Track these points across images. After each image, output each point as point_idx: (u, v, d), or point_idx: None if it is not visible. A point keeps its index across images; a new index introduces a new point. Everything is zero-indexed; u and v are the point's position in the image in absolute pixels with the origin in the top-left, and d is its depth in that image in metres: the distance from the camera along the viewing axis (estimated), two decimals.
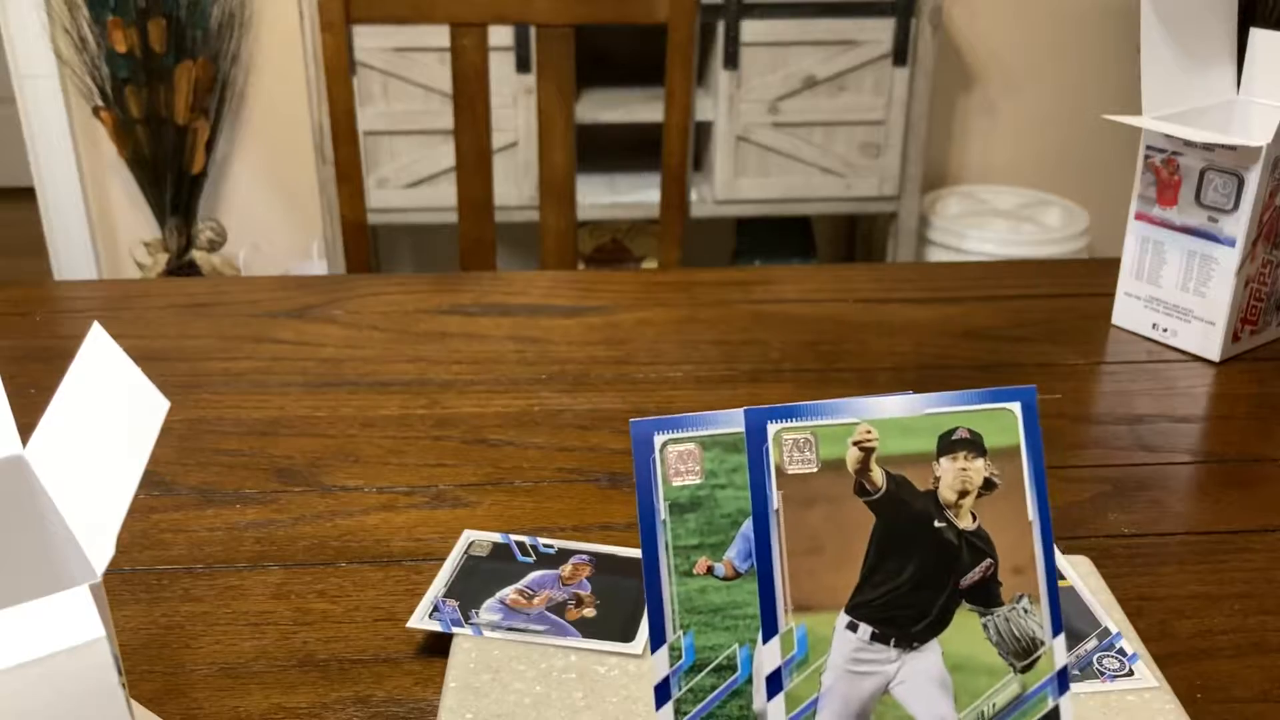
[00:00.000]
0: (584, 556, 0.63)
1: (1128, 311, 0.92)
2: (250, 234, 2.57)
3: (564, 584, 0.60)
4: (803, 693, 0.32)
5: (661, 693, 0.34)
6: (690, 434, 0.34)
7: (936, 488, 0.32)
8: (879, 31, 2.20)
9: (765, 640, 0.32)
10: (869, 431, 0.32)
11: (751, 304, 0.98)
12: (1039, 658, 0.32)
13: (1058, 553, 0.63)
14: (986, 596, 0.32)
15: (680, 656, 0.34)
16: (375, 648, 0.58)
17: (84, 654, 0.34)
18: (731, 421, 0.34)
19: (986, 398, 0.33)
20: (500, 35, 2.12)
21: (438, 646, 0.58)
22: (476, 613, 0.58)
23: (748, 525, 0.34)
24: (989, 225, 2.35)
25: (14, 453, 0.43)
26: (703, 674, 0.34)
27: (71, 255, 2.56)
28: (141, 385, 0.42)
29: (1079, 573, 0.61)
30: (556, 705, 0.52)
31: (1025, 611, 0.32)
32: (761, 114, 2.25)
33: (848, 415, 0.32)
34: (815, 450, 0.32)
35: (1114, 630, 0.57)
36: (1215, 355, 0.87)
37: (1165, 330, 0.90)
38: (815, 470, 0.32)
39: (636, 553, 0.63)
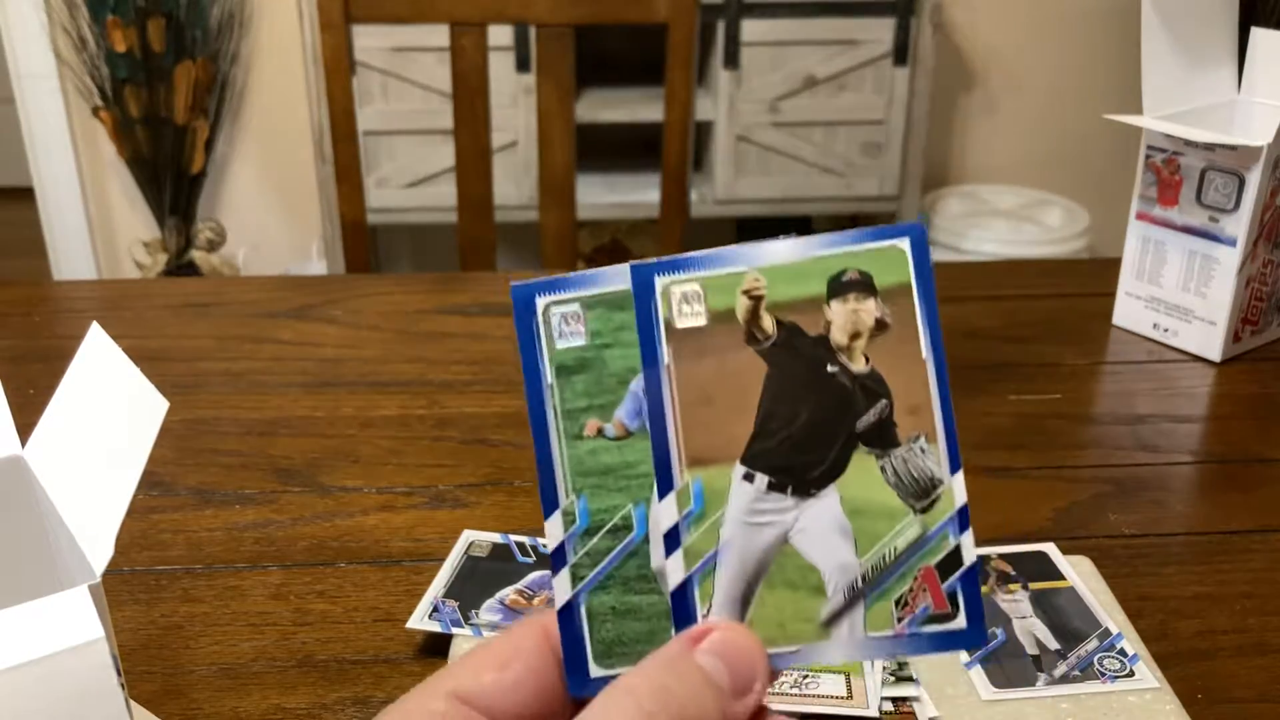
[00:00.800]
0: None
1: (1128, 311, 0.92)
2: (249, 234, 2.57)
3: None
4: (701, 547, 0.32)
5: (558, 559, 0.33)
6: (573, 294, 0.33)
7: (828, 332, 0.31)
8: (879, 31, 2.20)
9: (661, 497, 0.32)
10: (757, 279, 0.31)
11: None
12: (938, 497, 0.31)
13: (1058, 553, 0.63)
14: (883, 438, 0.31)
15: (575, 521, 0.33)
16: (375, 648, 0.58)
17: (83, 654, 0.34)
18: (615, 279, 0.33)
19: (875, 235, 0.32)
20: (500, 35, 2.12)
21: (437, 647, 0.58)
22: (476, 613, 0.58)
23: (637, 383, 0.33)
24: (989, 225, 2.35)
25: (13, 453, 0.43)
26: (598, 536, 0.33)
27: (71, 255, 2.56)
28: (141, 385, 0.42)
29: (1079, 573, 0.61)
30: None
31: (923, 451, 0.31)
32: (762, 114, 2.25)
33: (737, 264, 0.32)
34: (704, 302, 0.32)
35: (1115, 631, 0.57)
36: (1216, 355, 0.87)
37: (1166, 330, 0.90)
38: (705, 323, 0.32)
39: None
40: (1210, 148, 0.84)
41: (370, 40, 2.13)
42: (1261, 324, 0.89)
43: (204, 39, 2.33)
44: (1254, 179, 0.82)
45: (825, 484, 0.32)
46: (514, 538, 0.64)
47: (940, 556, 0.32)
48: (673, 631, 0.33)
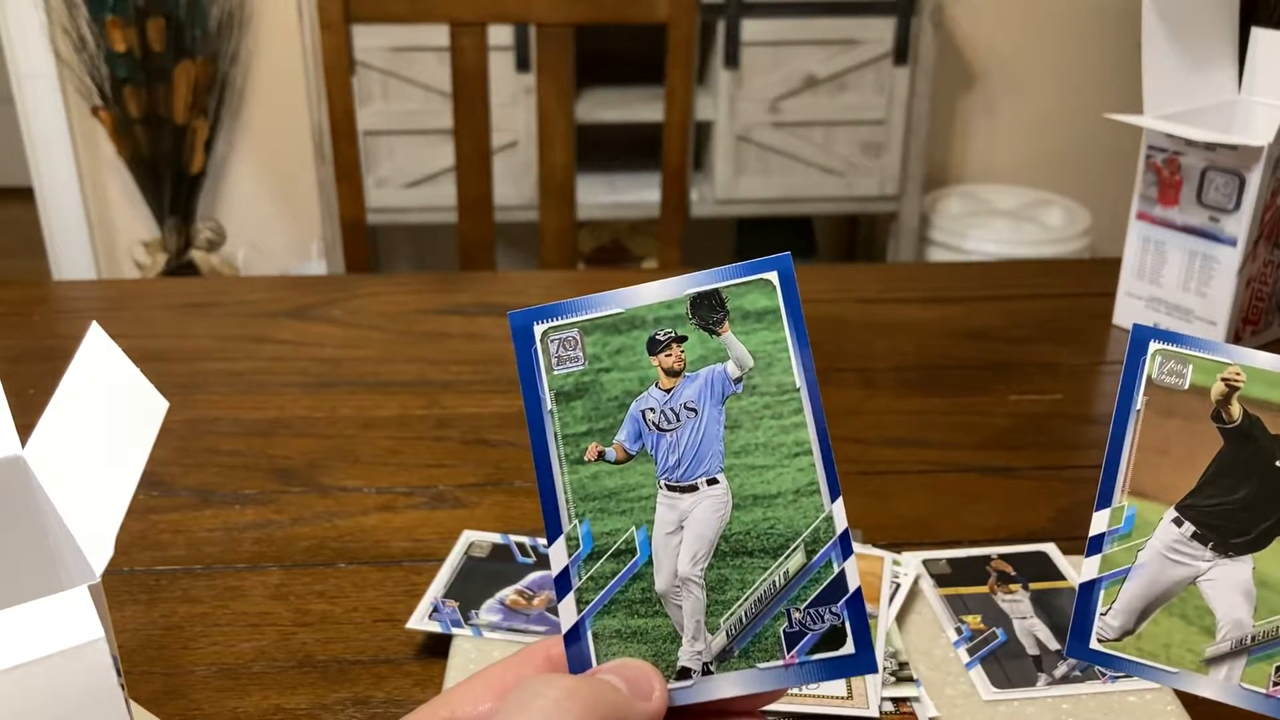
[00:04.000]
0: None
1: (1129, 311, 0.92)
2: (249, 234, 2.57)
3: None
4: (1120, 560, 0.36)
5: (562, 584, 0.34)
6: (570, 320, 0.35)
7: None
8: (880, 31, 2.20)
9: (1099, 509, 0.37)
10: (1238, 374, 0.36)
11: None
12: None
13: (1058, 553, 0.63)
14: None
15: (578, 545, 0.34)
16: (374, 649, 0.58)
17: (83, 655, 0.34)
18: (611, 304, 0.35)
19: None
20: (500, 35, 2.12)
21: (437, 647, 0.57)
22: (476, 613, 0.58)
23: (635, 407, 0.35)
24: (990, 225, 2.35)
25: (13, 453, 0.43)
26: (602, 560, 0.34)
27: (70, 255, 2.55)
28: (140, 385, 0.42)
29: (1080, 573, 0.61)
30: None
31: None
32: (762, 113, 2.25)
33: (1225, 354, 0.36)
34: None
35: None
36: None
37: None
38: (1185, 387, 0.37)
39: None
40: (1211, 147, 0.84)
41: (370, 40, 2.13)
42: (1262, 324, 0.89)
43: (204, 39, 2.33)
44: (1254, 179, 0.82)
45: (1244, 552, 0.36)
46: (514, 538, 0.64)
47: None
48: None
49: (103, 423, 0.42)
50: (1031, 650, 0.56)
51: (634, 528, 0.34)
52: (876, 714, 0.52)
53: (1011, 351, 0.89)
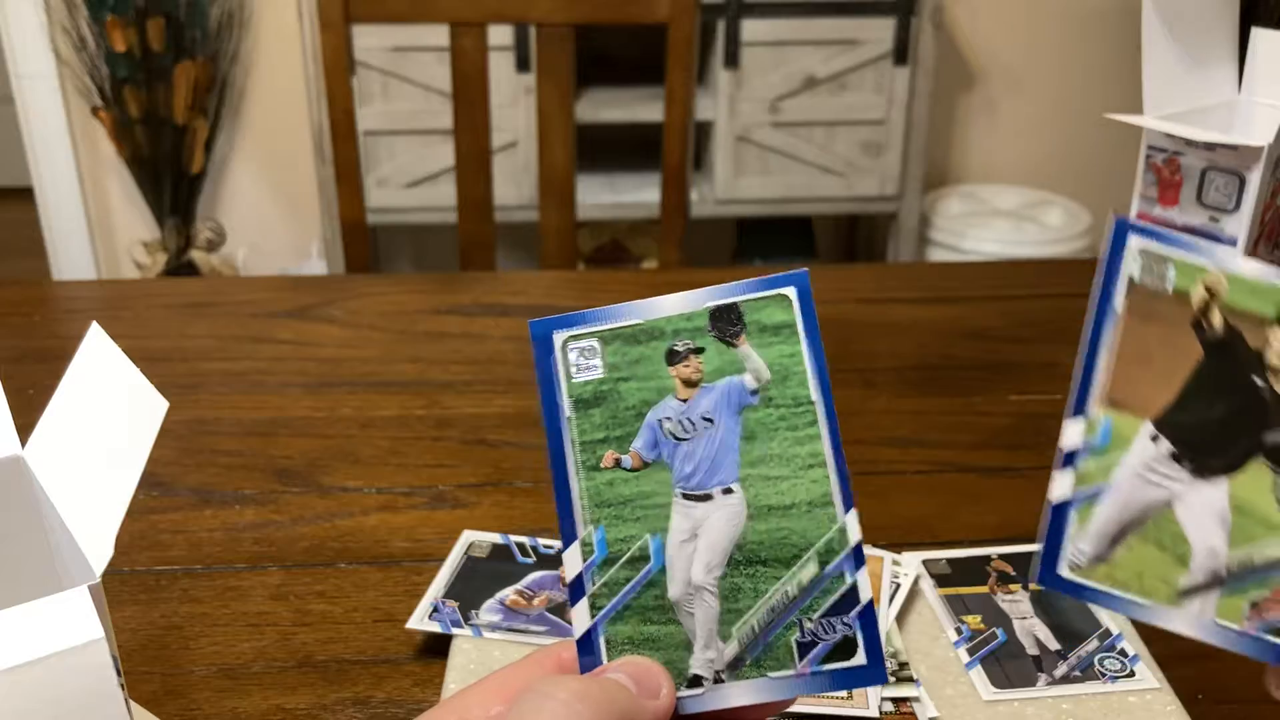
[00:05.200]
0: None
1: None
2: (249, 234, 2.57)
3: (564, 585, 0.60)
4: (1093, 477, 0.35)
5: (576, 589, 0.35)
6: (590, 329, 0.35)
7: (1266, 351, 0.34)
8: (879, 31, 2.20)
9: (1072, 416, 0.36)
10: (1220, 280, 0.34)
11: None
12: None
13: None
14: None
15: (592, 551, 0.35)
16: (375, 649, 0.58)
17: (83, 655, 0.34)
18: (631, 314, 0.35)
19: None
20: (500, 35, 2.12)
21: (437, 647, 0.57)
22: (476, 613, 0.58)
23: (652, 415, 0.35)
24: (990, 225, 2.35)
25: (13, 453, 0.43)
26: (616, 567, 0.35)
27: (70, 255, 2.55)
28: (140, 385, 0.42)
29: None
30: None
31: None
32: (762, 114, 2.25)
33: (1207, 256, 0.34)
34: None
35: (1115, 631, 0.57)
36: None
37: None
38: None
39: None
40: (1211, 148, 0.84)
41: (370, 40, 2.13)
42: None
43: (204, 39, 2.33)
44: (1254, 179, 0.82)
45: (1221, 474, 0.34)
46: (514, 538, 0.64)
47: None
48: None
49: (103, 423, 0.42)
50: (1031, 650, 0.56)
51: (648, 535, 0.35)
52: (876, 714, 0.52)
53: (1011, 351, 0.89)
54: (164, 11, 2.25)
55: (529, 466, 0.73)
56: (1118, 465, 0.35)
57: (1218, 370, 0.34)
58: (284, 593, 0.62)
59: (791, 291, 0.35)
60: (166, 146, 2.36)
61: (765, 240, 2.52)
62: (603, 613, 0.34)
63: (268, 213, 2.57)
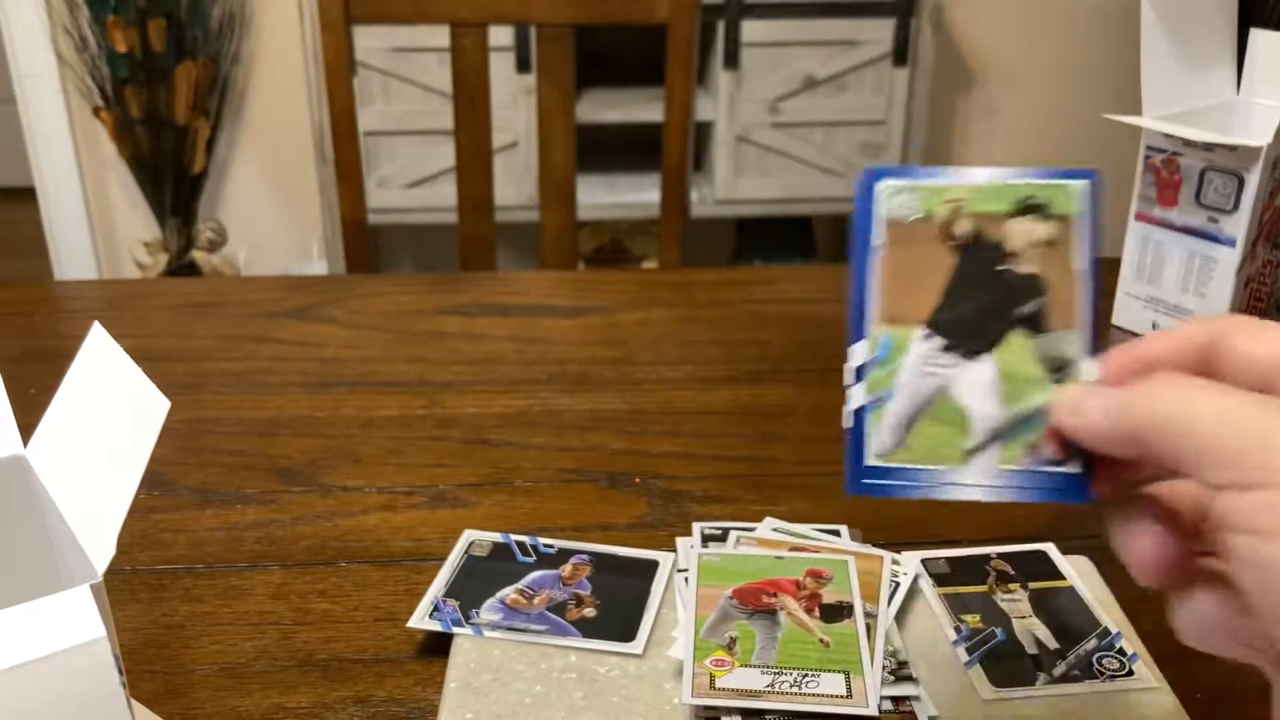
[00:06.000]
0: (584, 556, 0.63)
1: (1128, 311, 0.92)
2: (250, 234, 2.57)
3: (564, 584, 0.60)
4: (882, 384, 0.41)
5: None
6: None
7: (1006, 240, 0.40)
8: (879, 31, 2.20)
9: (853, 343, 0.41)
10: (962, 196, 0.40)
11: (751, 304, 0.98)
12: (1071, 374, 0.39)
13: (1058, 553, 0.63)
14: (1035, 324, 0.40)
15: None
16: (375, 648, 0.58)
17: (84, 654, 0.34)
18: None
19: (1056, 174, 0.41)
20: (500, 35, 2.12)
21: (438, 646, 0.58)
22: (477, 613, 0.58)
23: None
24: None
25: (15, 453, 0.43)
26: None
27: (71, 255, 2.56)
28: (142, 385, 0.42)
29: (1079, 572, 0.61)
30: (556, 705, 0.52)
31: (1065, 338, 0.40)
32: (761, 114, 2.25)
33: (945, 179, 0.41)
34: (915, 204, 0.41)
35: (1114, 630, 0.57)
36: None
37: None
38: (915, 218, 0.41)
39: (636, 552, 0.63)
40: (1210, 148, 0.84)
41: (371, 40, 2.14)
42: None
43: (204, 39, 2.33)
44: (1253, 179, 0.82)
45: (986, 351, 0.40)
46: (514, 537, 0.64)
47: None
48: (863, 447, 0.41)
49: (104, 422, 0.42)
50: (1031, 650, 0.56)
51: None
52: (875, 713, 0.52)
53: None
54: (165, 12, 2.26)
55: (529, 466, 0.74)
56: (900, 369, 0.41)
57: (969, 268, 0.41)
58: (285, 592, 0.62)
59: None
60: (168, 147, 2.36)
61: (765, 240, 2.52)
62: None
63: (268, 213, 2.57)
